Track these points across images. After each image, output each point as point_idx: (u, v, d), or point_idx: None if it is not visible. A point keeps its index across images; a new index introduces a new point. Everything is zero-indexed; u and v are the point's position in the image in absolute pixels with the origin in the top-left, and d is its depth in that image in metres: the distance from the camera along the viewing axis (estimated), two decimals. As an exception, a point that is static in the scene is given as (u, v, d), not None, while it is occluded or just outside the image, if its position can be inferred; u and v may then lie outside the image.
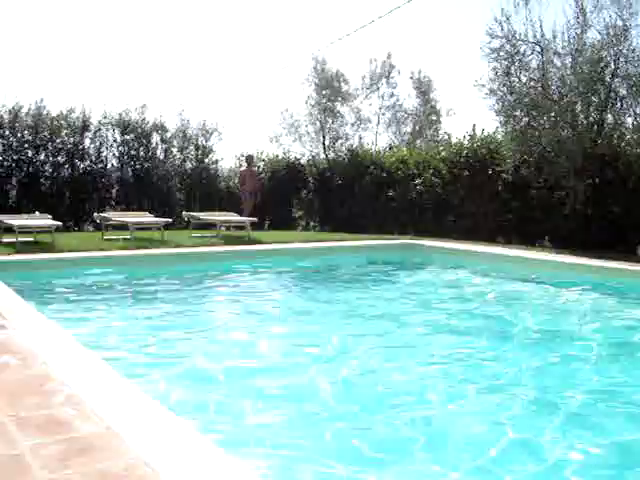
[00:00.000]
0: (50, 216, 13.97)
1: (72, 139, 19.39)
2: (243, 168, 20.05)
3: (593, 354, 6.42)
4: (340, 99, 23.48)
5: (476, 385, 5.42)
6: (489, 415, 4.79)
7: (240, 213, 17.68)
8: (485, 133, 17.65)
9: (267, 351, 6.53)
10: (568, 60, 14.45)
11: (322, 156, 22.75)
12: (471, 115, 47.37)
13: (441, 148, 19.21)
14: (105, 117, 20.10)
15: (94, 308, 8.35)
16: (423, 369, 5.97)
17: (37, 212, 14.98)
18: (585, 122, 14.47)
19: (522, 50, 14.94)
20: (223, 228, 15.76)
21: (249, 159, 19.76)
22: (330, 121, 23.14)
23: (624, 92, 14.15)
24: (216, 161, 22.12)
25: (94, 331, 6.99)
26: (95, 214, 15.56)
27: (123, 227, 14.64)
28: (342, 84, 23.76)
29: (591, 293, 9.77)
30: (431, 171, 18.33)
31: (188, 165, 21.54)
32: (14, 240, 12.15)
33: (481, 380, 5.59)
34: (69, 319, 7.31)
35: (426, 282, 11.52)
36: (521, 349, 6.76)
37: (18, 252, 11.44)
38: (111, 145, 20.28)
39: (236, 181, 21.81)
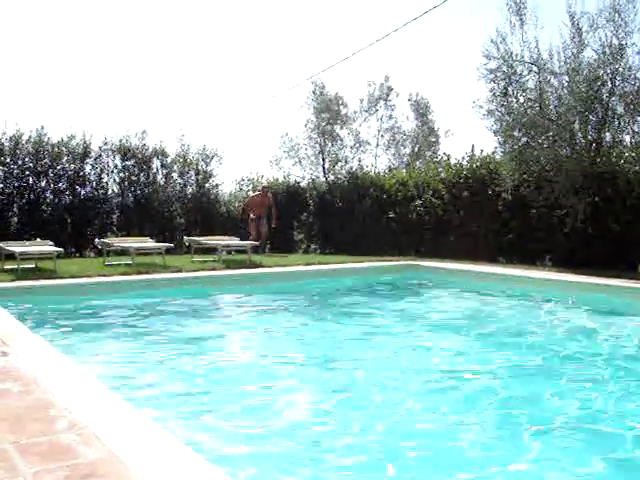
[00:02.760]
0: (51, 242, 14.00)
1: (73, 165, 19.42)
2: (255, 194, 19.71)
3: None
4: (339, 122, 23.60)
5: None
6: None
7: (247, 238, 17.58)
8: (484, 153, 17.72)
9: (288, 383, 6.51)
10: (565, 79, 14.53)
11: (322, 179, 22.81)
12: (469, 136, 47.63)
13: (440, 169, 19.26)
14: (106, 143, 20.15)
15: (95, 334, 8.34)
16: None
17: (38, 239, 15.02)
18: (583, 141, 14.52)
19: (519, 70, 15.03)
20: (224, 252, 15.77)
21: (266, 189, 19.53)
22: (329, 144, 23.23)
23: (621, 110, 14.21)
24: (216, 185, 22.15)
25: (96, 356, 6.98)
26: (96, 240, 15.58)
27: (124, 252, 14.66)
28: (341, 107, 23.89)
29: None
30: (431, 192, 18.38)
31: (189, 190, 21.56)
32: (16, 267, 12.16)
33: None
34: (71, 345, 7.31)
35: (430, 304, 11.53)
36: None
37: (19, 279, 11.45)
38: (112, 171, 20.32)
39: (237, 205, 21.83)
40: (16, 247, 12.87)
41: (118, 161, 20.36)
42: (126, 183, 20.41)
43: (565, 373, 6.44)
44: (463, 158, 18.20)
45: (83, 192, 19.65)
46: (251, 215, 18.69)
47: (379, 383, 6.14)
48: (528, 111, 14.96)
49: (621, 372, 6.60)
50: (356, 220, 19.96)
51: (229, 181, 23.82)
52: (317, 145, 23.20)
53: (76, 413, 3.96)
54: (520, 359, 7.10)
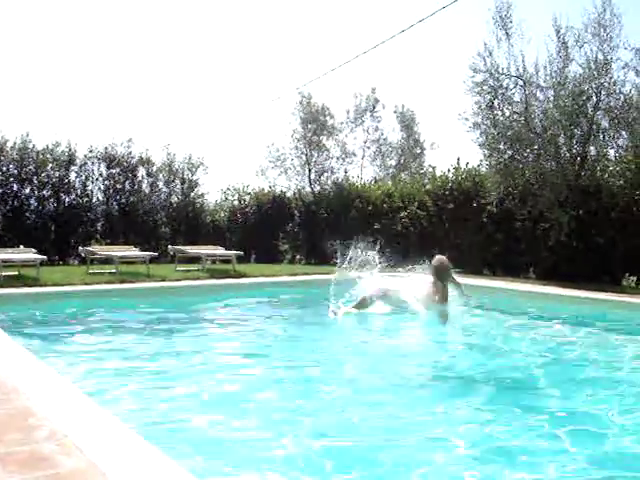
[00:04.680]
0: (34, 250, 13.91)
1: (58, 173, 19.33)
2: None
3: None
4: (325, 133, 23.63)
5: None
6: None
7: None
8: (469, 166, 17.79)
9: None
10: (550, 93, 14.63)
11: (308, 189, 22.81)
12: (455, 148, 47.84)
13: (426, 181, 19.32)
14: (91, 151, 20.08)
15: (77, 342, 8.28)
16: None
17: (21, 246, 14.92)
18: (568, 154, 14.61)
19: (505, 84, 15.12)
20: (209, 261, 15.72)
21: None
22: (316, 155, 23.24)
23: (606, 125, 14.31)
24: (202, 195, 22.12)
25: (77, 365, 6.91)
26: (80, 248, 15.49)
27: (108, 261, 14.58)
28: (327, 118, 23.92)
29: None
30: (416, 204, 18.42)
31: (174, 199, 21.51)
32: (-2, 274, 12.08)
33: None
34: (51, 353, 7.24)
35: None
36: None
37: (2, 286, 11.36)
38: (97, 179, 20.24)
39: (222, 214, 21.73)
40: (-1, 254, 12.79)
41: (103, 169, 20.29)
42: (111, 191, 20.34)
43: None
44: (449, 170, 18.27)
45: (67, 200, 19.56)
46: None
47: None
48: (514, 124, 15.04)
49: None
50: (341, 231, 19.95)
51: (214, 190, 23.72)
52: (303, 155, 23.21)
53: (56, 422, 3.91)
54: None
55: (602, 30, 13.84)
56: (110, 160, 20.26)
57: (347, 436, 4.85)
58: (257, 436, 4.87)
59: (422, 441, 4.76)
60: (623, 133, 14.32)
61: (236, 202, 22.01)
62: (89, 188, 20.11)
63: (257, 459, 4.41)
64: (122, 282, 12.40)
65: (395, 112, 33.90)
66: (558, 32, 14.34)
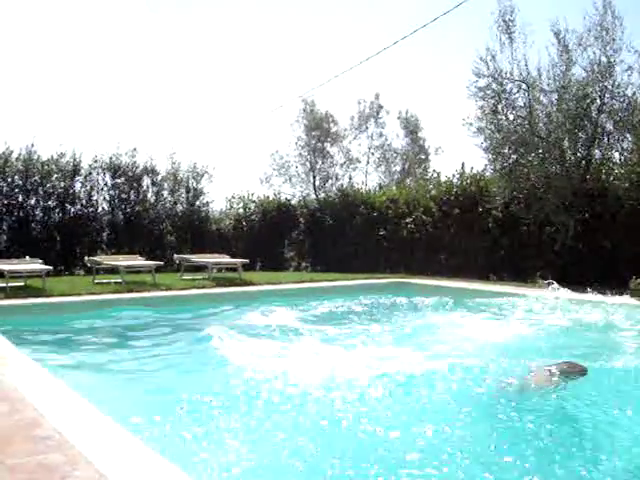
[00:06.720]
0: (40, 260, 13.91)
1: (63, 183, 19.36)
2: None
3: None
4: (330, 140, 23.70)
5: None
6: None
7: None
8: (474, 171, 17.77)
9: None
10: (554, 97, 14.63)
11: (313, 196, 22.83)
12: (460, 153, 47.69)
13: (431, 186, 19.31)
14: (96, 161, 20.09)
15: (83, 352, 8.27)
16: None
17: (27, 257, 14.92)
18: (573, 158, 14.59)
19: (508, 88, 15.13)
20: (214, 270, 15.70)
21: None
22: (320, 162, 23.32)
23: (610, 127, 14.31)
24: (207, 203, 22.10)
25: (84, 376, 6.91)
26: (86, 258, 15.49)
27: (114, 271, 14.58)
28: (331, 125, 24.00)
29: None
30: (421, 209, 18.40)
31: (179, 208, 21.51)
32: (4, 285, 12.06)
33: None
34: (58, 363, 7.23)
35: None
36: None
37: (8, 297, 11.36)
38: (102, 189, 20.25)
39: (227, 223, 21.77)
40: (5, 265, 12.77)
41: (108, 179, 20.30)
42: (116, 201, 20.35)
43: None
44: (453, 175, 18.27)
45: (73, 210, 19.59)
46: None
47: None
48: (518, 129, 15.04)
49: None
50: (347, 238, 19.95)
51: (220, 199, 23.72)
52: (307, 163, 23.28)
53: (64, 433, 3.91)
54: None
55: (604, 33, 13.84)
56: (115, 170, 20.27)
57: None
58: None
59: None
60: (628, 136, 14.32)
61: (241, 210, 22.02)
62: (94, 198, 20.12)
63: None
64: (128, 292, 12.41)
65: (399, 118, 33.85)
66: (558, 36, 14.35)
